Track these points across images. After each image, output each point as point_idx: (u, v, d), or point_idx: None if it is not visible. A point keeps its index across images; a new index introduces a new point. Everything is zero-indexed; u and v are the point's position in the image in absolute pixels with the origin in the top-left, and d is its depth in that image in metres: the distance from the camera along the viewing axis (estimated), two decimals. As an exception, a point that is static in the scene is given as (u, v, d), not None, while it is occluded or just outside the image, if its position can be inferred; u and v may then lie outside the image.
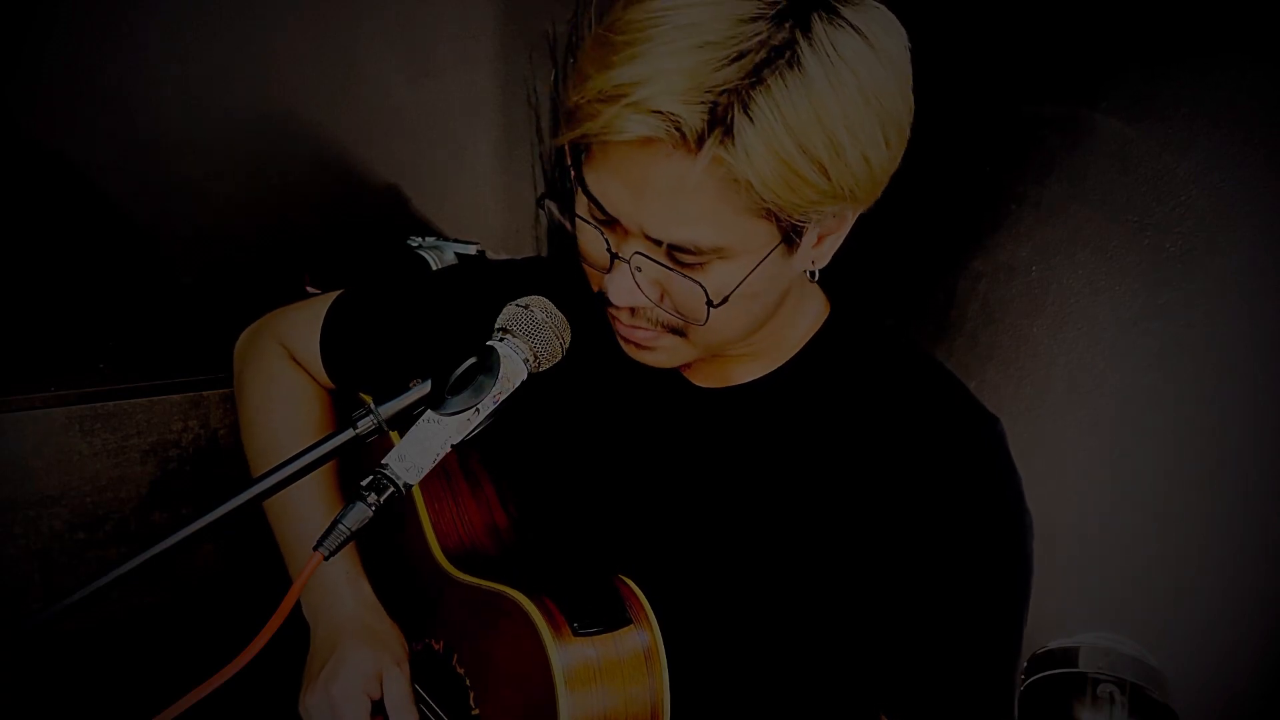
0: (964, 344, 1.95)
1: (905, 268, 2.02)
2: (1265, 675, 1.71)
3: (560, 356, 1.13)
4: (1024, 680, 1.84)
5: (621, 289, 1.10)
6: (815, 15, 1.01)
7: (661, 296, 1.11)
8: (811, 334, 1.25)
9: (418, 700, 1.34)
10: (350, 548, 1.34)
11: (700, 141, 0.99)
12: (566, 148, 1.10)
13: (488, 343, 1.10)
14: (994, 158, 1.91)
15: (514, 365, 1.09)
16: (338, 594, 1.36)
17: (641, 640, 1.16)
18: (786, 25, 1.00)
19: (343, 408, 1.49)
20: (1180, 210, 1.72)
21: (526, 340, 1.10)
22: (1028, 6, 1.84)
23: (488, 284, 1.36)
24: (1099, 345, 1.83)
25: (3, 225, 1.82)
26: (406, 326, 1.41)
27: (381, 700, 1.31)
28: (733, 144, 0.99)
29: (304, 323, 1.46)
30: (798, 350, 1.25)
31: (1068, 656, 1.80)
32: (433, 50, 2.16)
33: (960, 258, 1.95)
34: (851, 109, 1.00)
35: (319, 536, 1.00)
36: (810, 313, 1.26)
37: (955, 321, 1.96)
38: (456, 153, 2.24)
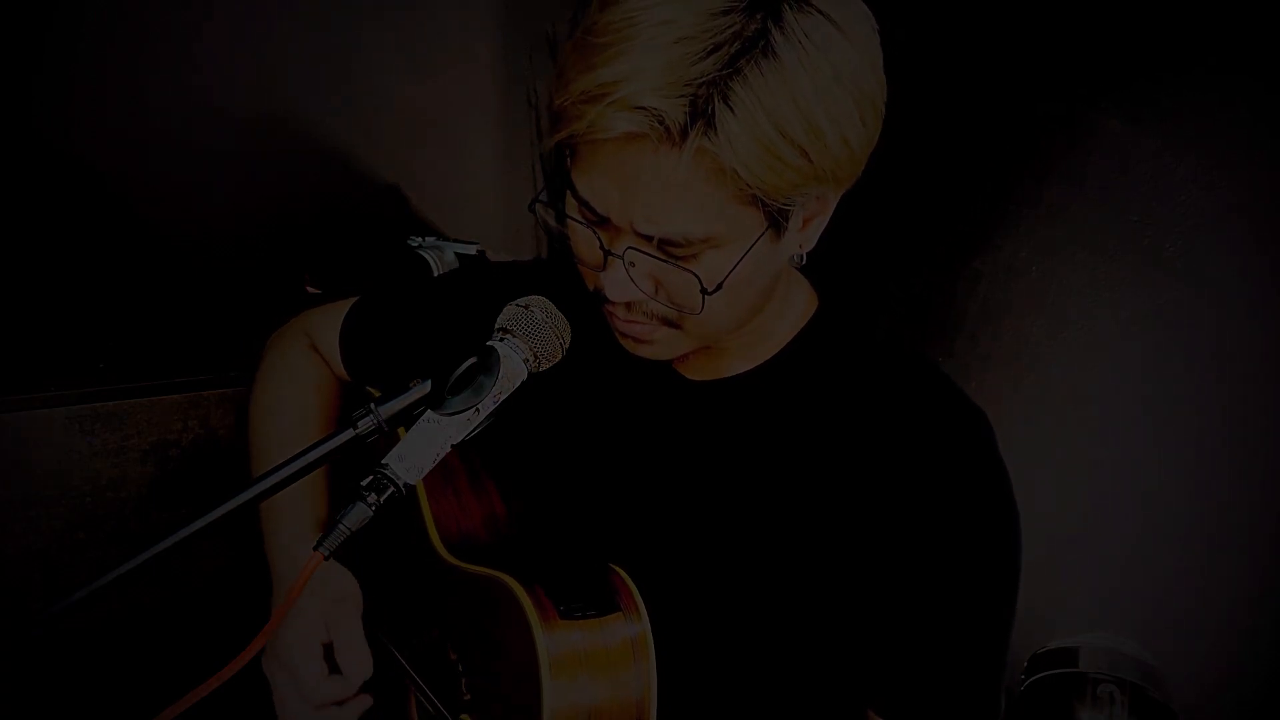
0: (964, 344, 1.95)
1: (905, 268, 2.02)
2: (1265, 675, 1.71)
3: (560, 356, 1.13)
4: (1024, 680, 1.84)
5: (616, 285, 1.11)
6: (784, 4, 1.03)
7: (656, 289, 1.12)
8: (799, 327, 1.27)
9: (416, 690, 1.34)
10: (287, 515, 1.35)
11: (684, 134, 1.01)
12: (554, 152, 1.11)
13: (488, 343, 1.10)
14: (994, 157, 1.91)
15: (514, 365, 1.09)
16: (277, 571, 1.36)
17: (630, 629, 1.15)
18: (758, 16, 1.02)
19: (353, 396, 1.52)
20: (1180, 210, 1.72)
21: (526, 340, 1.10)
22: (1029, 7, 1.84)
23: (490, 285, 1.38)
24: (1099, 345, 1.83)
25: (3, 225, 1.82)
26: (418, 328, 1.44)
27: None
28: (715, 134, 1.00)
29: (328, 319, 1.51)
30: (786, 343, 1.26)
31: (1068, 656, 1.80)
32: (433, 50, 2.16)
33: (960, 258, 1.95)
34: (827, 92, 1.02)
35: (319, 537, 1.01)
36: (798, 306, 1.28)
37: (955, 321, 1.96)
38: (456, 153, 2.25)
